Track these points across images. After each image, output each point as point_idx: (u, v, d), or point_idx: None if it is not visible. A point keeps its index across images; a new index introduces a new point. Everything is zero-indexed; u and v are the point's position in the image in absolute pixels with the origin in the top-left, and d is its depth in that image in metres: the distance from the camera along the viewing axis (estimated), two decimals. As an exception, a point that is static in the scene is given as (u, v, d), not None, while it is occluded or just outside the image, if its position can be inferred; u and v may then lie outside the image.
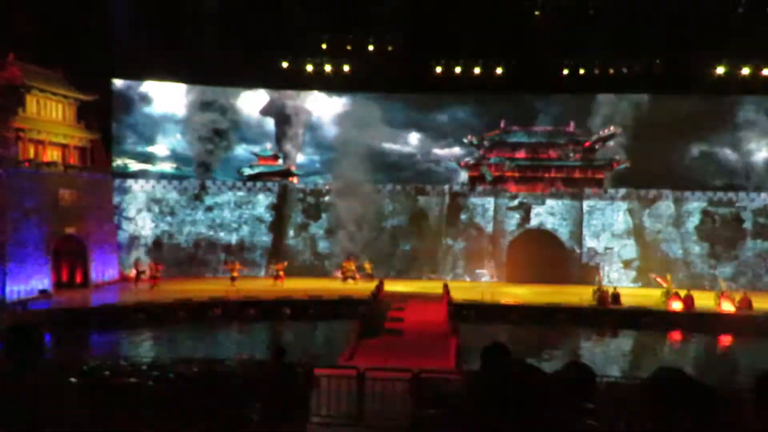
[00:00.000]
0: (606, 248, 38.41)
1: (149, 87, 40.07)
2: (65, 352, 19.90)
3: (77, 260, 33.02)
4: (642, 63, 36.80)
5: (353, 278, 35.77)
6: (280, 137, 42.24)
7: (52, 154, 32.70)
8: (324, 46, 37.49)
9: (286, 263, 35.64)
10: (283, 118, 42.11)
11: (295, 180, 42.00)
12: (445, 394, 8.49)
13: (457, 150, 41.59)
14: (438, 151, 41.84)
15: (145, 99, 40.23)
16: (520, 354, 18.85)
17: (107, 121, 37.70)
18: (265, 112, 42.08)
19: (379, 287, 29.98)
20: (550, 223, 39.07)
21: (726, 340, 26.48)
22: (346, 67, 38.43)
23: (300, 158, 42.76)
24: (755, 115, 38.76)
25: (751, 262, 37.10)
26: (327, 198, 40.30)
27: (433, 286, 32.21)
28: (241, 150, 41.94)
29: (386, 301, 28.01)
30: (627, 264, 38.20)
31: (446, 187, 40.28)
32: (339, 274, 36.50)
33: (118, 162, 39.08)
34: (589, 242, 38.59)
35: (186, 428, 7.49)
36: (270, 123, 42.16)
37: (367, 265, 37.00)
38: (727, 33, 32.48)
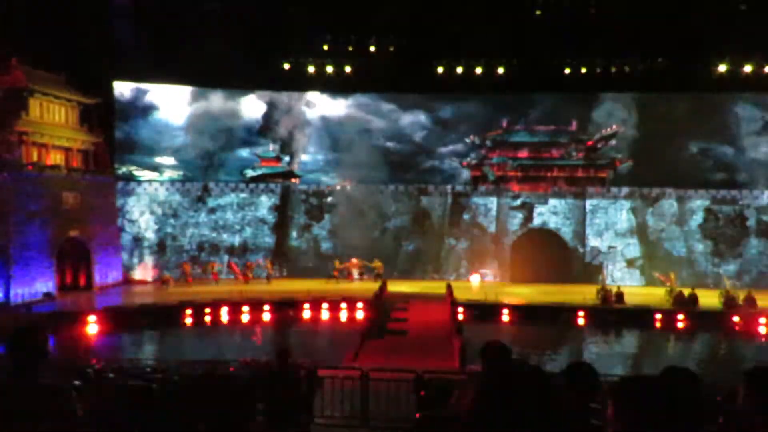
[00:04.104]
0: (609, 247, 38.33)
1: (151, 90, 40.09)
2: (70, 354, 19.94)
3: (81, 263, 33.09)
4: (644, 61, 36.77)
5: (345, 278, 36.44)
6: (282, 139, 42.22)
7: (55, 158, 32.77)
8: (326, 47, 37.53)
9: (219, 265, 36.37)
10: (285, 119, 42.09)
11: (297, 181, 42.01)
12: (450, 394, 8.47)
13: (459, 150, 41.54)
14: (440, 151, 41.77)
15: (147, 102, 40.23)
16: (523, 354, 18.84)
17: (110, 124, 37.75)
18: (268, 113, 42.06)
19: (383, 288, 29.97)
20: (553, 222, 39.02)
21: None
22: (347, 68, 38.46)
23: (302, 159, 42.76)
24: (758, 113, 38.61)
25: (755, 260, 36.97)
26: (329, 199, 40.32)
27: (436, 287, 32.19)
28: (243, 152, 41.96)
29: (390, 302, 28.01)
30: (630, 263, 38.11)
31: (449, 187, 40.22)
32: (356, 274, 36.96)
33: (123, 169, 39.10)
34: (593, 241, 38.52)
35: (189, 430, 7.50)
36: (272, 125, 42.13)
37: (377, 264, 37.06)
38: (729, 31, 32.42)
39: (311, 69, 38.65)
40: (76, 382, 7.54)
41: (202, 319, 27.84)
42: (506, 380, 1.66)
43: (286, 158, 42.31)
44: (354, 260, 37.53)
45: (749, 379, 3.19)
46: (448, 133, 41.33)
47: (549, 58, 37.14)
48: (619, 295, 29.53)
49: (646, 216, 38.42)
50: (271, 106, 41.91)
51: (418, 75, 37.97)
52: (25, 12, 29.75)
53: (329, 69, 38.38)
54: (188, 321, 27.67)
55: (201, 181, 40.24)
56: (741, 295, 28.73)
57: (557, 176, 40.36)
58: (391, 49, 36.86)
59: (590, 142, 40.20)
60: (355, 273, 37.33)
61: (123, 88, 39.51)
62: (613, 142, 40.10)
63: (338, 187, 40.37)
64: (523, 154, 40.82)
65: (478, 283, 36.17)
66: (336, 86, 39.85)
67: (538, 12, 34.05)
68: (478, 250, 39.13)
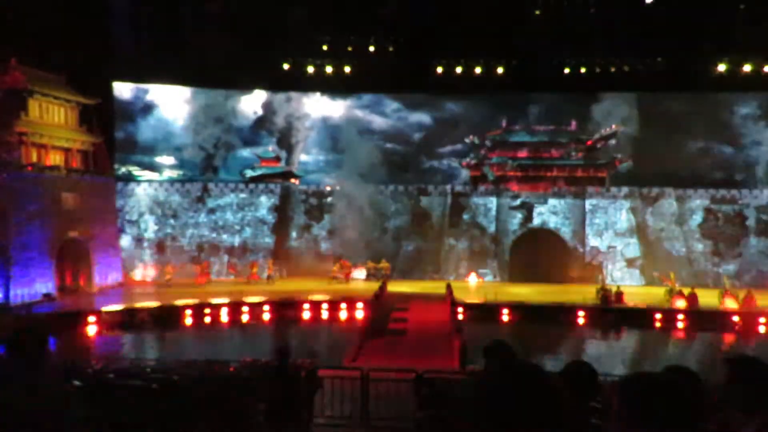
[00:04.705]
0: (609, 247, 38.34)
1: (151, 90, 40.12)
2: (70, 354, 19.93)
3: (81, 264, 33.05)
4: (644, 61, 36.76)
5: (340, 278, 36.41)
6: (281, 139, 42.25)
7: (55, 158, 32.74)
8: (325, 48, 37.52)
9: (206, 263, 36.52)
10: (284, 119, 42.12)
11: (296, 181, 42.02)
12: (450, 394, 8.48)
13: (459, 149, 41.56)
14: (440, 151, 41.79)
15: (148, 102, 40.28)
16: (523, 353, 18.84)
17: (110, 124, 37.75)
18: (267, 113, 42.09)
19: (383, 288, 29.97)
20: (552, 222, 39.02)
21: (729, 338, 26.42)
22: (347, 68, 38.44)
23: (302, 159, 42.78)
24: (758, 112, 38.63)
25: (754, 260, 36.96)
26: (329, 199, 40.32)
27: (436, 287, 32.19)
28: (243, 152, 41.98)
29: (390, 302, 28.01)
30: (630, 262, 38.11)
31: (448, 187, 40.23)
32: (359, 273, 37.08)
33: (123, 170, 39.11)
34: (592, 241, 38.52)
35: (191, 430, 7.51)
36: (272, 125, 42.16)
37: (384, 265, 37.02)
38: (728, 30, 32.43)
39: (311, 69, 38.63)
40: (76, 383, 7.54)
41: (202, 319, 27.84)
42: (507, 379, 1.66)
43: (286, 158, 42.33)
44: (342, 261, 37.41)
45: (731, 368, 3.21)
46: (448, 133, 41.35)
47: (549, 58, 37.15)
48: (619, 295, 29.51)
49: (645, 216, 38.43)
50: (271, 106, 41.95)
51: (418, 75, 37.96)
52: (25, 12, 29.73)
53: (329, 69, 38.36)
54: (188, 321, 27.66)
55: (201, 181, 40.27)
56: (741, 295, 28.73)
57: (557, 176, 40.38)
58: (391, 49, 36.86)
59: (590, 142, 40.22)
60: (362, 274, 37.19)
61: (123, 88, 39.52)
62: (613, 141, 40.12)
63: (338, 187, 40.35)
64: (523, 154, 40.83)
65: (475, 283, 36.19)
66: (336, 86, 39.85)
67: (537, 12, 34.04)
68: (477, 250, 39.12)
